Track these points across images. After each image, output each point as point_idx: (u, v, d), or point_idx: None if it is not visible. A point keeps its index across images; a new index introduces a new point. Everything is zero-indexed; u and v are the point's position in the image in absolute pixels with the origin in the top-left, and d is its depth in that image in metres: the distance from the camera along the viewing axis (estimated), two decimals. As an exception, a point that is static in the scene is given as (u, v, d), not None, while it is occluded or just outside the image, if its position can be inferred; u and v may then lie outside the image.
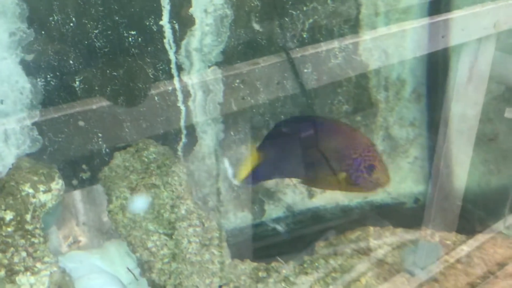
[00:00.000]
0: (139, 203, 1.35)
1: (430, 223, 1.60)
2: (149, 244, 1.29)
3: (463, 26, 1.68)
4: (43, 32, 1.44)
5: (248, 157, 1.40)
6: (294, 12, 1.68)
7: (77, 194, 1.61)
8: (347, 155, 1.27)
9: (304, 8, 1.69)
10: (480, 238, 1.38)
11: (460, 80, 1.75)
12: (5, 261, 1.03)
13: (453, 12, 1.69)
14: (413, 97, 1.95)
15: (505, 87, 1.84)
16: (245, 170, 1.37)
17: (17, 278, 1.04)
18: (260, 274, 1.29)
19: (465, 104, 1.71)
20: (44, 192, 1.21)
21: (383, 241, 1.34)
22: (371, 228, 1.41)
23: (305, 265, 1.29)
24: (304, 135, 1.37)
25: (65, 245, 1.57)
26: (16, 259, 1.04)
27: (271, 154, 1.38)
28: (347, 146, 1.28)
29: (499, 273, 1.26)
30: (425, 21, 1.68)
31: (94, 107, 1.51)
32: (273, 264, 1.33)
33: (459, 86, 1.77)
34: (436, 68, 1.87)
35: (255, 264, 1.32)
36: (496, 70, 1.73)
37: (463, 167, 1.75)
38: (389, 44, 1.67)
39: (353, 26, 1.76)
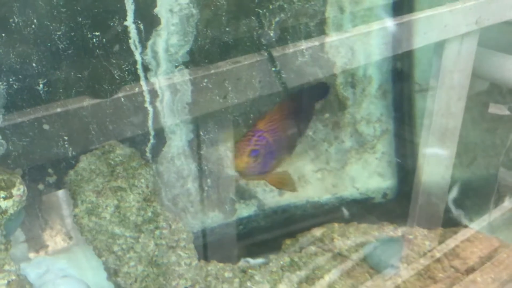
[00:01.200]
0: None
1: (399, 218, 1.62)
2: (115, 248, 1.28)
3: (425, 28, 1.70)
4: (3, 35, 1.41)
5: None
6: (260, 11, 1.68)
7: (44, 198, 1.59)
8: None
9: (271, 7, 1.69)
10: (440, 231, 1.40)
11: (440, 75, 1.77)
12: (-36, 270, 1.02)
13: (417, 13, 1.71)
14: (379, 93, 1.96)
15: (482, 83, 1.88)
16: None
17: (-25, 287, 1.02)
18: (226, 274, 1.29)
19: (432, 99, 1.73)
20: (5, 198, 1.18)
21: (347, 237, 1.36)
22: (336, 225, 1.42)
23: (270, 264, 1.30)
24: None
25: (32, 250, 1.55)
26: (-26, 268, 1.02)
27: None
28: None
29: (461, 267, 1.28)
30: (393, 19, 1.70)
31: (59, 110, 1.49)
32: (239, 264, 1.33)
33: (432, 81, 1.79)
34: (402, 65, 1.89)
35: (221, 264, 1.32)
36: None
37: (430, 162, 1.77)
38: (356, 41, 1.69)
39: (320, 24, 1.77)
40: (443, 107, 1.76)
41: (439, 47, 1.73)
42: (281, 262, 1.29)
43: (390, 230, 1.41)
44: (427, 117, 1.70)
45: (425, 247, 1.35)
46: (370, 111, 1.96)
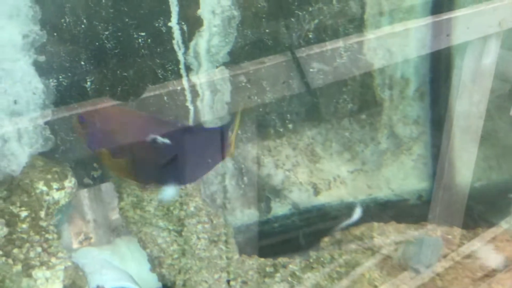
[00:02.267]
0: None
1: (434, 219, 1.62)
2: (159, 241, 1.32)
3: (468, 24, 1.70)
4: (55, 34, 1.47)
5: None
6: (300, 13, 1.71)
7: (88, 192, 1.65)
8: None
9: (310, 9, 1.71)
10: (481, 233, 1.40)
11: (465, 78, 1.77)
12: (21, 256, 1.07)
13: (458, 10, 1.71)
14: (417, 95, 1.97)
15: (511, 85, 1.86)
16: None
17: (33, 272, 1.08)
18: (267, 269, 1.32)
19: (469, 102, 1.73)
20: (58, 190, 1.24)
21: (386, 236, 1.37)
22: (375, 224, 1.43)
23: (311, 260, 1.33)
24: None
25: (76, 241, 1.61)
26: (32, 254, 1.08)
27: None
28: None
29: (499, 266, 1.28)
30: (429, 19, 1.71)
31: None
32: (280, 259, 1.36)
33: (463, 84, 1.79)
34: (439, 67, 1.89)
35: (262, 259, 1.35)
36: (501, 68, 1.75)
37: (465, 164, 1.77)
38: (393, 43, 1.70)
39: (358, 26, 1.78)
40: (468, 109, 1.76)
41: (474, 48, 1.73)
42: (321, 259, 1.31)
43: (430, 230, 1.41)
44: (465, 119, 1.70)
45: (464, 247, 1.35)
46: (407, 113, 1.97)
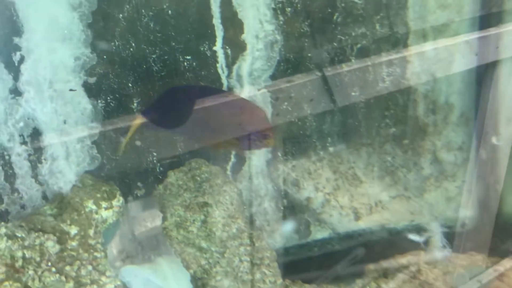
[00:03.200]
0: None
1: (478, 248, 1.58)
2: (202, 262, 1.33)
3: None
4: (104, 57, 1.52)
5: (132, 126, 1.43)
6: (343, 38, 1.72)
7: (131, 210, 1.68)
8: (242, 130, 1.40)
9: (353, 33, 1.72)
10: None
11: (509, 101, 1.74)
12: (73, 274, 1.10)
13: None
14: (461, 120, 1.94)
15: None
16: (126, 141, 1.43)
17: (83, 290, 1.10)
18: (311, 295, 1.31)
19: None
20: (106, 208, 1.27)
21: (434, 265, 1.34)
22: (422, 252, 1.41)
23: (355, 287, 1.31)
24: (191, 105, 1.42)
25: (119, 259, 1.63)
26: (83, 272, 1.11)
27: (157, 118, 1.44)
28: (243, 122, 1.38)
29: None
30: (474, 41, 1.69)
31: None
32: (325, 285, 1.35)
33: (507, 108, 1.75)
34: (484, 92, 1.86)
35: (307, 285, 1.34)
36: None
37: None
38: (437, 68, 1.69)
39: (401, 50, 1.78)
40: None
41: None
42: (368, 287, 1.29)
43: (479, 261, 1.38)
44: (504, 145, 1.66)
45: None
46: (451, 138, 1.94)
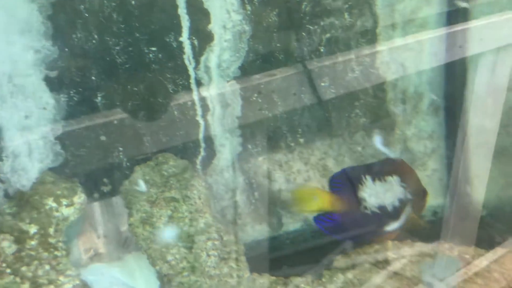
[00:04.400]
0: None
1: (448, 236, 1.59)
2: (169, 258, 1.30)
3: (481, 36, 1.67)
4: (66, 49, 1.48)
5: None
6: (311, 27, 1.70)
7: (97, 207, 1.64)
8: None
9: (322, 23, 1.70)
10: (500, 252, 1.36)
11: (478, 91, 1.74)
12: (29, 274, 1.06)
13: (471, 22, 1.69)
14: (431, 110, 1.94)
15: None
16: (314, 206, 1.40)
17: (41, 291, 1.06)
18: (279, 288, 1.30)
19: (483, 116, 1.70)
20: (67, 206, 1.23)
21: (401, 255, 1.34)
22: (390, 242, 1.40)
23: (323, 279, 1.30)
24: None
25: (86, 257, 1.60)
26: (40, 272, 1.07)
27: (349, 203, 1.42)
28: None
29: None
30: (442, 32, 1.69)
31: (115, 121, 1.55)
32: (292, 278, 1.33)
33: (477, 97, 1.76)
34: (453, 81, 1.87)
35: (273, 278, 1.32)
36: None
37: (481, 180, 1.73)
38: (406, 57, 1.68)
39: (371, 40, 1.77)
40: (481, 123, 1.73)
41: (494, 63, 1.70)
42: (334, 278, 1.28)
43: (446, 249, 1.38)
44: (483, 135, 1.66)
45: (482, 266, 1.31)
46: (421, 127, 1.94)
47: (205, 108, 1.65)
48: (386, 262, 1.32)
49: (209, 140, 1.71)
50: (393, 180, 1.44)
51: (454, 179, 1.83)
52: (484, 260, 1.33)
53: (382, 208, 1.41)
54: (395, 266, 1.30)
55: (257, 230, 1.84)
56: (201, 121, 1.65)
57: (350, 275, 1.27)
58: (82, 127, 1.54)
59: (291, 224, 1.88)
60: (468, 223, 1.70)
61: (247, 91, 1.66)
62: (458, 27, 1.71)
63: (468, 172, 1.82)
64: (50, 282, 1.06)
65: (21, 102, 1.48)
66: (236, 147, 1.77)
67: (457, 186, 1.79)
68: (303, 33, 1.70)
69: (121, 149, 1.59)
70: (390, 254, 1.34)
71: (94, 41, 1.51)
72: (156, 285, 1.36)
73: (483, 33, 1.70)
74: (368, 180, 1.43)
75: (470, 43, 1.69)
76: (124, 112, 1.56)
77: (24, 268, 1.06)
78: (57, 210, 1.22)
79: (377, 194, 1.43)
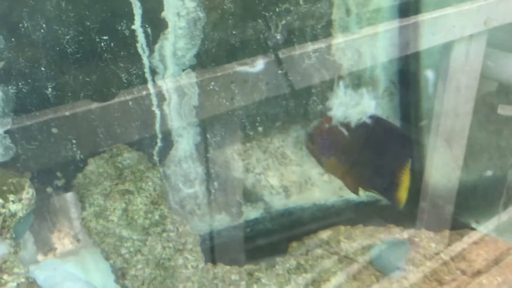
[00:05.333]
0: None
1: (403, 221, 1.62)
2: (123, 251, 1.29)
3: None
4: (13, 39, 1.43)
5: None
6: (267, 14, 1.69)
7: (52, 201, 1.60)
8: None
9: (277, 9, 1.69)
10: (448, 235, 1.40)
11: (439, 77, 1.77)
12: (-28, 273, 1.03)
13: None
14: (385, 95, 1.96)
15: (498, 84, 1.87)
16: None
17: (-17, 290, 1.03)
18: (233, 277, 1.30)
19: (435, 100, 1.73)
20: (14, 202, 1.20)
21: (353, 240, 1.36)
22: (342, 227, 1.42)
23: (276, 267, 1.30)
24: None
25: (41, 253, 1.57)
26: (-16, 271, 1.04)
27: None
28: None
29: (467, 270, 1.28)
30: (399, 21, 1.70)
31: (67, 113, 1.51)
32: (246, 267, 1.34)
33: (434, 83, 1.79)
34: (408, 67, 1.89)
35: (227, 267, 1.33)
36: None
37: (437, 165, 1.77)
38: (362, 43, 1.69)
39: (326, 27, 1.77)
40: (450, 109, 1.76)
41: (446, 48, 1.73)
42: (288, 265, 1.29)
43: (397, 233, 1.41)
44: (434, 119, 1.69)
45: (431, 250, 1.35)
46: (377, 112, 1.96)
47: (160, 97, 1.62)
48: (338, 248, 1.34)
49: (165, 130, 1.69)
50: None
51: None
52: (433, 243, 1.36)
53: None
54: (347, 251, 1.32)
55: (217, 220, 1.84)
56: (157, 111, 1.63)
57: (302, 260, 1.28)
58: (32, 119, 1.50)
59: (251, 213, 1.88)
60: (423, 208, 1.74)
61: (204, 80, 1.64)
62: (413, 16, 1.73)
63: (424, 157, 1.85)
64: (-6, 281, 1.03)
65: (-33, 95, 1.43)
66: (194, 137, 1.76)
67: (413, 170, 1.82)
68: (259, 20, 1.68)
69: (74, 141, 1.56)
70: (343, 240, 1.36)
71: (42, 31, 1.46)
72: (111, 278, 1.34)
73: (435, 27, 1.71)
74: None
75: (422, 37, 1.71)
76: (76, 104, 1.53)
77: (-34, 267, 1.03)
78: (3, 207, 1.18)
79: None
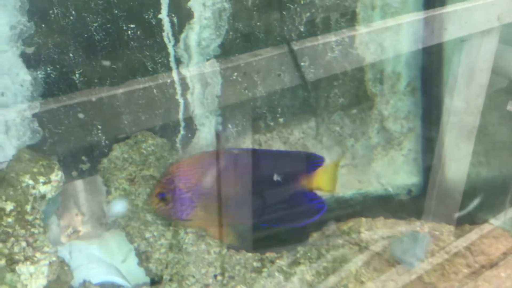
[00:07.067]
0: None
1: (423, 215, 1.63)
2: (147, 235, 1.31)
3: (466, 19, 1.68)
4: (43, 25, 1.45)
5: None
6: (291, 6, 1.70)
7: (77, 185, 1.64)
8: None
9: (302, 2, 1.70)
10: (468, 229, 1.41)
11: (458, 73, 1.77)
12: (6, 251, 1.06)
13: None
14: (408, 90, 1.96)
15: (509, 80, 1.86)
16: None
17: (17, 267, 1.07)
18: (255, 264, 1.32)
19: (457, 97, 1.73)
20: (44, 183, 1.23)
21: (374, 231, 1.37)
22: (363, 219, 1.43)
23: (298, 255, 1.33)
24: None
25: (65, 235, 1.60)
26: (16, 249, 1.07)
27: None
28: None
29: (485, 263, 1.29)
30: (423, 14, 1.70)
31: (93, 99, 1.53)
32: (267, 254, 1.36)
33: (455, 79, 1.78)
34: (431, 62, 1.89)
35: (249, 254, 1.35)
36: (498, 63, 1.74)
37: (455, 159, 1.77)
38: (385, 37, 1.69)
39: (350, 20, 1.77)
40: (462, 105, 1.76)
41: (459, 43, 1.72)
42: (309, 254, 1.31)
43: (417, 226, 1.42)
44: (450, 114, 1.70)
45: (450, 243, 1.36)
46: (398, 108, 1.96)
47: (184, 86, 1.64)
48: (359, 239, 1.36)
49: (188, 118, 1.71)
50: None
51: (429, 158, 1.87)
52: (452, 237, 1.37)
53: None
54: (368, 243, 1.33)
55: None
56: (181, 100, 1.65)
57: (323, 250, 1.30)
58: (60, 104, 1.53)
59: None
60: (443, 202, 1.75)
61: (227, 70, 1.66)
62: (438, 10, 1.72)
63: (444, 152, 1.85)
64: (27, 258, 1.06)
65: (-3, 79, 1.46)
66: (216, 126, 1.78)
67: (433, 165, 1.83)
68: (284, 12, 1.69)
69: (99, 127, 1.59)
70: (364, 231, 1.38)
71: (71, 17, 1.48)
72: (135, 262, 1.37)
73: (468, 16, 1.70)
74: None
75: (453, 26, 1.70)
76: (102, 90, 1.55)
77: (0, 245, 1.07)
78: (34, 188, 1.22)
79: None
